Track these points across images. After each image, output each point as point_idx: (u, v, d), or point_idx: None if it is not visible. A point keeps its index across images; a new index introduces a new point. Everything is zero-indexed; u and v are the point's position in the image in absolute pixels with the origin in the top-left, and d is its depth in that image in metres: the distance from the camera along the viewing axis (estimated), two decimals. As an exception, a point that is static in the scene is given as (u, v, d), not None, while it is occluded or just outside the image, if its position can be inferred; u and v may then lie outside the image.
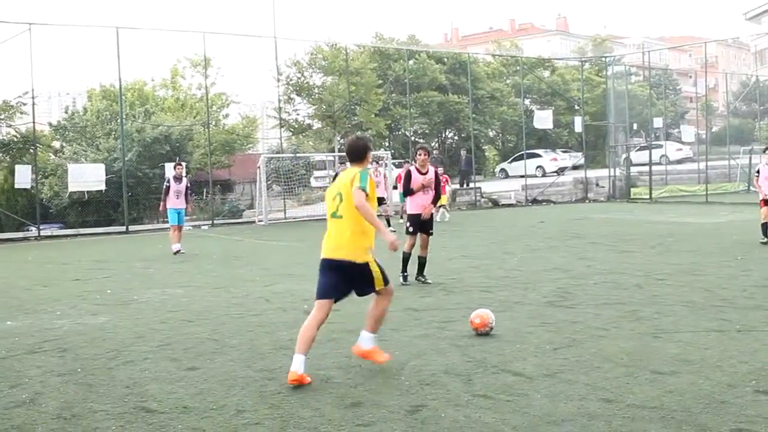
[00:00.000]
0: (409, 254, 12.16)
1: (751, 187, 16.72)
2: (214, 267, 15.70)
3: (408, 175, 12.21)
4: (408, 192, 12.15)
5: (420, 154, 12.33)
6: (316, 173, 35.77)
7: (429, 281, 12.16)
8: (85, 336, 8.93)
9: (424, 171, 12.17)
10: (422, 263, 12.23)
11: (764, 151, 16.58)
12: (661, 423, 5.31)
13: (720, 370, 6.57)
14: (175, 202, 18.31)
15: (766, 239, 15.51)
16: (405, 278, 12.09)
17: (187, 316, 10.01)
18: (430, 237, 12.23)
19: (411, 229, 12.15)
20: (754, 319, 8.60)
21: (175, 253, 17.82)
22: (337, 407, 5.92)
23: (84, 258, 18.43)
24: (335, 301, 7.24)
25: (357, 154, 7.38)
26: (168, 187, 18.38)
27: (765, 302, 9.57)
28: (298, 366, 6.59)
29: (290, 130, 36.41)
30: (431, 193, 12.11)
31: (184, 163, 20.25)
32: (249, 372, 7.04)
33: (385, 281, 7.32)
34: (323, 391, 6.36)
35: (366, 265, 7.20)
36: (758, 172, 16.21)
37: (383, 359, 7.09)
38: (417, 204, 12.12)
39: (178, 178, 18.44)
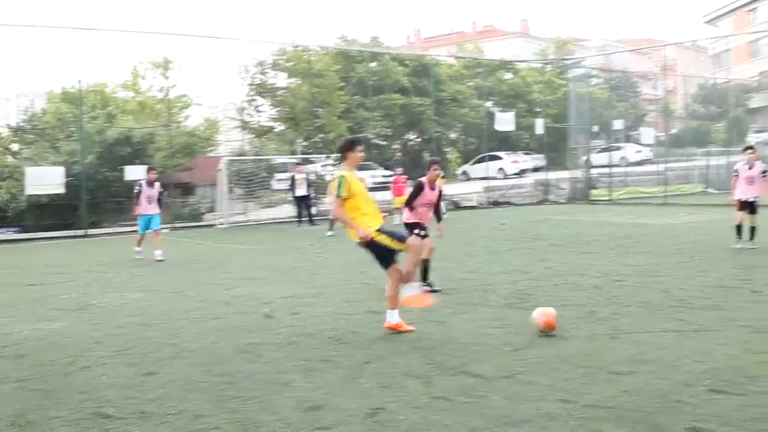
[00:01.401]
0: (428, 260, 11.49)
1: (727, 198, 16.11)
2: (173, 271, 15.58)
3: (419, 187, 11.44)
4: (410, 206, 11.51)
5: (435, 169, 11.57)
6: (278, 176, 35.59)
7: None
8: (43, 341, 8.83)
9: (433, 186, 11.54)
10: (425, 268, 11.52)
11: (743, 151, 16.03)
12: (617, 423, 5.36)
13: (676, 369, 6.65)
14: (146, 207, 17.84)
15: (739, 245, 15.07)
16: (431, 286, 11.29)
17: (145, 321, 9.92)
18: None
19: (423, 233, 11.32)
20: (709, 319, 8.72)
21: (138, 258, 17.47)
22: (295, 411, 5.90)
23: (42, 262, 18.18)
24: None
25: (339, 151, 8.55)
26: (140, 192, 17.88)
27: (720, 303, 9.71)
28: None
29: (252, 133, 36.25)
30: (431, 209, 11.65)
31: (157, 170, 19.47)
32: (208, 376, 6.98)
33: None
34: (283, 394, 6.34)
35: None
36: (736, 172, 15.54)
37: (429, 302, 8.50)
38: (422, 218, 11.51)
39: (150, 183, 17.97)
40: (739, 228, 15.11)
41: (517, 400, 5.94)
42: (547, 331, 8.13)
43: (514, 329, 8.52)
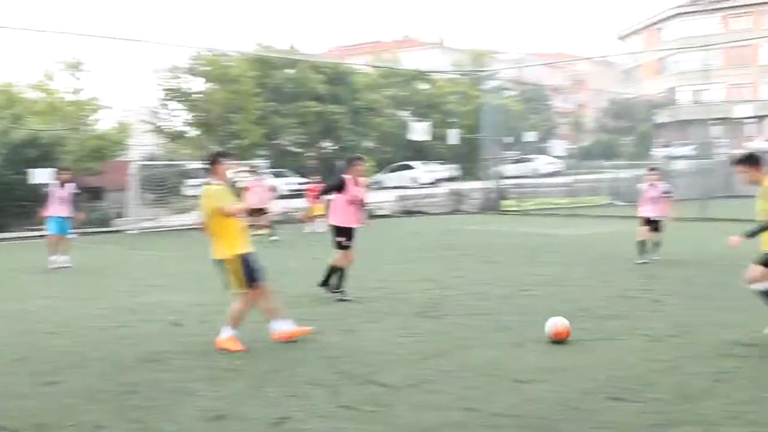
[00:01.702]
0: (345, 269, 11.43)
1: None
2: (80, 277, 15.17)
3: (342, 181, 11.32)
4: (326, 194, 11.57)
5: (358, 165, 11.54)
6: (191, 181, 35.13)
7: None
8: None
9: (358, 183, 11.43)
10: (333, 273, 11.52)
11: (648, 171, 16.51)
12: (520, 430, 5.47)
13: (577, 378, 6.80)
14: (57, 209, 16.77)
15: (641, 261, 15.15)
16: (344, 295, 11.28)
17: (48, 328, 9.65)
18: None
19: (346, 243, 11.32)
20: (611, 328, 8.95)
21: (55, 268, 16.21)
22: (200, 420, 5.85)
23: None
24: None
25: (206, 163, 8.45)
26: (50, 193, 16.95)
27: (622, 312, 9.98)
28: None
29: (165, 137, 35.76)
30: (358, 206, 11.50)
31: (67, 168, 18.63)
32: (111, 386, 6.85)
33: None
34: (188, 404, 6.26)
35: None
36: (642, 192, 15.87)
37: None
38: (350, 217, 11.37)
39: (62, 184, 16.98)
40: (642, 243, 15.38)
41: (423, 409, 5.99)
42: (559, 339, 8.24)
43: (423, 338, 8.59)
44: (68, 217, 17.02)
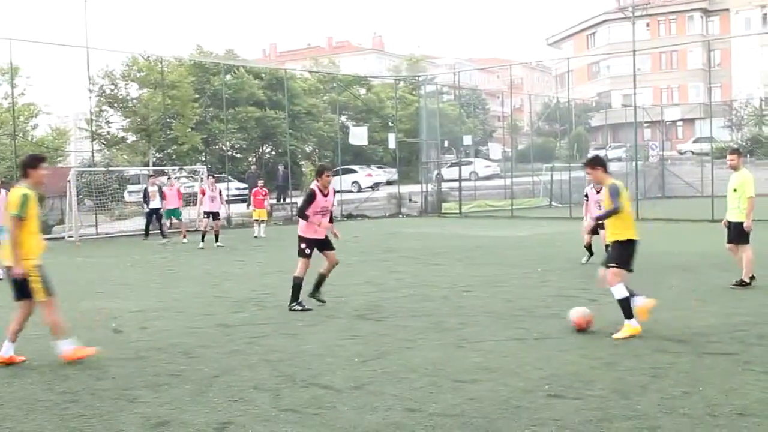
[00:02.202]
0: (302, 279, 10.98)
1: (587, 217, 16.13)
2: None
3: (311, 195, 10.95)
4: (303, 216, 10.95)
5: (327, 175, 11.13)
6: (130, 188, 34.74)
7: (324, 300, 11.17)
8: None
9: (326, 192, 11.07)
10: (322, 281, 11.24)
11: (584, 166, 16.51)
12: (461, 430, 5.54)
13: (517, 376, 6.92)
14: None
15: (584, 259, 15.30)
16: (302, 304, 10.87)
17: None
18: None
19: (308, 251, 10.99)
20: (549, 327, 9.12)
21: None
22: (141, 428, 5.82)
23: None
24: None
25: (21, 168, 8.24)
26: None
27: (560, 311, 10.11)
28: None
29: (103, 143, 35.30)
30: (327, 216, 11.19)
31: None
32: (50, 395, 6.76)
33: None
34: (129, 411, 6.22)
35: None
36: (587, 196, 15.63)
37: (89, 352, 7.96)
38: (315, 229, 10.97)
39: None
40: (589, 247, 15.36)
41: (366, 411, 6.04)
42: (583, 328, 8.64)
43: (364, 340, 8.65)
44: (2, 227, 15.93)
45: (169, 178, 25.06)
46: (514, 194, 37.10)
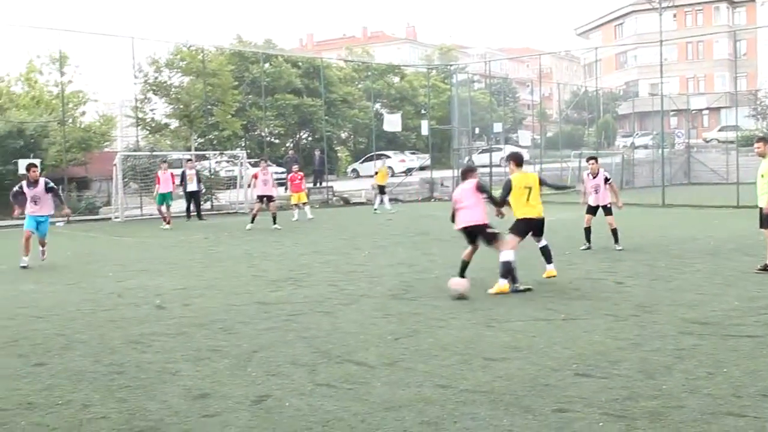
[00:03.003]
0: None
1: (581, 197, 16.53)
2: (67, 263, 15.27)
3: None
4: (502, 203, 11.30)
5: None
6: (174, 171, 35.27)
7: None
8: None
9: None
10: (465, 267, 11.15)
11: (587, 161, 16.57)
12: (491, 406, 5.67)
13: (545, 355, 7.06)
14: (33, 208, 14.88)
15: (587, 245, 15.46)
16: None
17: (36, 312, 9.82)
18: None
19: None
20: (576, 308, 9.28)
21: (23, 267, 14.49)
22: (183, 399, 6.02)
23: None
24: None
25: None
26: (18, 192, 15.07)
27: (587, 293, 10.33)
28: None
29: (147, 129, 35.80)
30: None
31: (37, 164, 16.36)
32: (98, 367, 7.03)
33: None
34: (171, 383, 6.45)
35: None
36: (583, 182, 16.21)
37: None
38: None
39: (32, 182, 14.96)
40: (587, 231, 15.57)
41: (398, 386, 6.20)
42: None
43: (397, 319, 8.85)
44: (46, 218, 15.23)
45: (265, 161, 24.80)
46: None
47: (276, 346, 7.68)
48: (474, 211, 10.81)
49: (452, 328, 8.35)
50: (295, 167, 26.77)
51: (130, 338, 8.15)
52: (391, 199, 35.40)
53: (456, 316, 8.97)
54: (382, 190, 29.58)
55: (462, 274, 10.86)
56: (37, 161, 19.76)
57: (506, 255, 10.55)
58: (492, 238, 10.76)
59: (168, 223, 23.68)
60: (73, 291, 11.70)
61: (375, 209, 28.56)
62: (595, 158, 16.36)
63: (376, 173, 30.45)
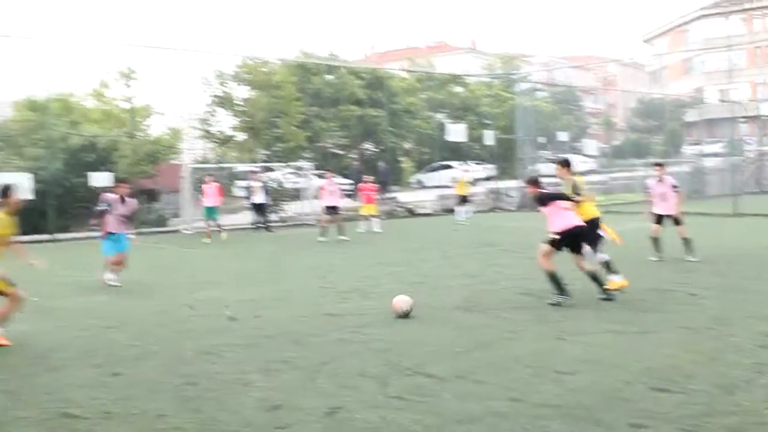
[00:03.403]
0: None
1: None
2: (138, 274, 15.45)
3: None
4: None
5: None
6: (239, 183, 35.77)
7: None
8: (8, 344, 8.88)
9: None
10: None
11: (653, 166, 16.19)
12: (563, 420, 5.62)
13: (618, 368, 6.95)
14: (118, 227, 14.08)
15: (658, 256, 15.00)
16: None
17: (110, 323, 10.02)
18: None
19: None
20: (648, 321, 9.12)
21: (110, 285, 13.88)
22: (256, 410, 6.08)
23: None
24: None
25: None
26: (106, 211, 14.03)
27: (660, 305, 10.12)
28: None
29: (214, 141, 36.41)
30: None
31: (126, 180, 15.61)
32: (171, 377, 7.14)
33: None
34: (244, 394, 6.52)
35: None
36: (649, 188, 15.77)
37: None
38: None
39: (122, 199, 14.11)
40: (656, 240, 15.19)
41: (469, 400, 6.18)
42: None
43: (467, 331, 8.82)
44: (125, 235, 14.37)
45: (329, 172, 24.90)
46: (610, 189, 36.61)
47: (346, 357, 7.71)
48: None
49: (522, 340, 8.30)
50: (368, 178, 26.79)
51: (202, 349, 8.27)
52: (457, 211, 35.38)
53: (526, 328, 8.91)
54: (463, 200, 29.43)
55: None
56: (108, 174, 20.21)
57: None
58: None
59: (208, 237, 23.64)
60: (145, 302, 11.92)
61: (459, 221, 28.19)
62: (660, 163, 15.99)
63: (456, 184, 30.24)
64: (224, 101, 34.91)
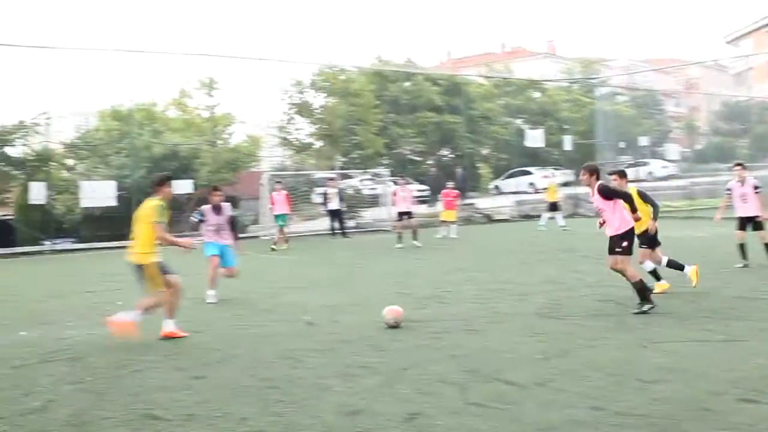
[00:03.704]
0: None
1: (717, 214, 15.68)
2: (220, 280, 15.77)
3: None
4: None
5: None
6: (318, 190, 36.23)
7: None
8: (95, 346, 9.20)
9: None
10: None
11: (734, 167, 15.38)
12: (647, 430, 5.49)
13: (704, 378, 6.76)
14: (215, 237, 13.30)
15: (743, 263, 14.38)
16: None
17: (193, 327, 10.18)
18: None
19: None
20: (735, 329, 8.86)
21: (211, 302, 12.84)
22: (336, 415, 6.10)
23: (95, 271, 18.63)
24: None
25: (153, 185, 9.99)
26: (201, 221, 13.40)
27: (747, 313, 9.81)
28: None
29: (293, 149, 36.91)
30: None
31: (220, 188, 14.10)
32: (252, 381, 7.23)
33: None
34: (323, 399, 6.55)
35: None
36: (729, 190, 15.03)
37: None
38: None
39: (216, 208, 13.35)
40: (742, 247, 14.59)
41: (550, 407, 6.10)
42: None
43: (546, 338, 8.72)
44: (228, 246, 13.51)
45: (402, 178, 25.26)
46: (693, 195, 35.86)
47: (425, 363, 7.68)
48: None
49: (604, 348, 8.15)
50: (450, 184, 26.79)
51: (282, 353, 8.36)
52: (534, 216, 35.12)
53: (607, 336, 8.76)
54: (553, 207, 28.96)
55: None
56: (190, 182, 20.65)
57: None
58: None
59: (275, 244, 23.72)
60: (226, 306, 12.15)
61: (541, 227, 27.77)
62: (741, 163, 15.31)
63: (546, 189, 29.90)
64: (302, 109, 35.32)
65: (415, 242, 21.88)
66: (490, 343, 8.57)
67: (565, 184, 42.66)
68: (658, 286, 11.49)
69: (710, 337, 8.50)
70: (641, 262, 11.66)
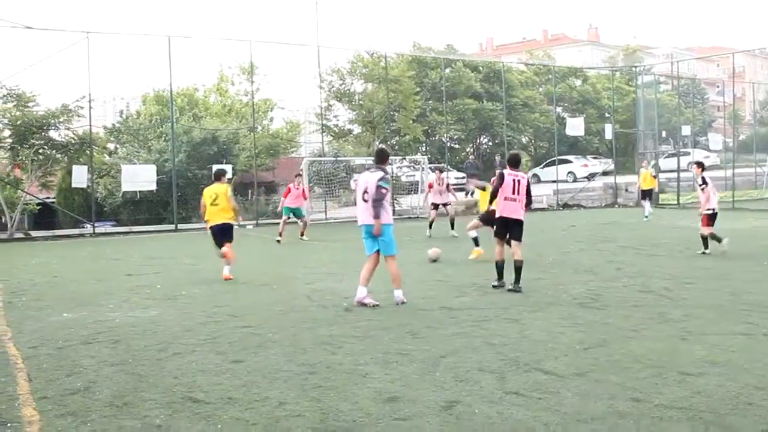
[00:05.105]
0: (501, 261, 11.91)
1: None
2: (257, 265, 15.90)
3: (501, 177, 11.80)
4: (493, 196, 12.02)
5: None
6: (356, 176, 36.31)
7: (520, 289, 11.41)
8: (136, 328, 9.27)
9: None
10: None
11: None
12: (689, 423, 5.43)
13: (747, 372, 6.68)
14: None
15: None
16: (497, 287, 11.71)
17: (232, 312, 10.28)
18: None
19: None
20: (780, 323, 8.72)
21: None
22: (374, 401, 6.11)
23: (135, 254, 18.80)
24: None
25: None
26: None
27: (791, 308, 9.69)
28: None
29: (331, 135, 36.99)
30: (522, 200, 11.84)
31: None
32: (291, 366, 7.26)
33: None
34: (362, 385, 6.56)
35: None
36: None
37: None
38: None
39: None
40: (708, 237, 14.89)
41: (590, 398, 6.05)
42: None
43: (586, 328, 8.67)
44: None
45: (439, 170, 24.97)
46: (735, 185, 35.40)
47: (463, 351, 7.67)
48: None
49: (644, 339, 8.08)
50: (477, 173, 26.65)
51: (320, 339, 8.38)
52: (574, 205, 34.92)
53: (648, 327, 8.69)
54: (645, 195, 28.03)
55: None
56: (228, 167, 20.84)
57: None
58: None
59: (302, 234, 22.96)
60: (265, 292, 12.19)
61: (646, 216, 26.82)
62: None
63: (642, 176, 28.80)
64: (341, 95, 35.35)
65: (452, 232, 21.80)
66: (529, 332, 8.53)
67: (604, 173, 42.38)
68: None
69: (753, 330, 8.39)
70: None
